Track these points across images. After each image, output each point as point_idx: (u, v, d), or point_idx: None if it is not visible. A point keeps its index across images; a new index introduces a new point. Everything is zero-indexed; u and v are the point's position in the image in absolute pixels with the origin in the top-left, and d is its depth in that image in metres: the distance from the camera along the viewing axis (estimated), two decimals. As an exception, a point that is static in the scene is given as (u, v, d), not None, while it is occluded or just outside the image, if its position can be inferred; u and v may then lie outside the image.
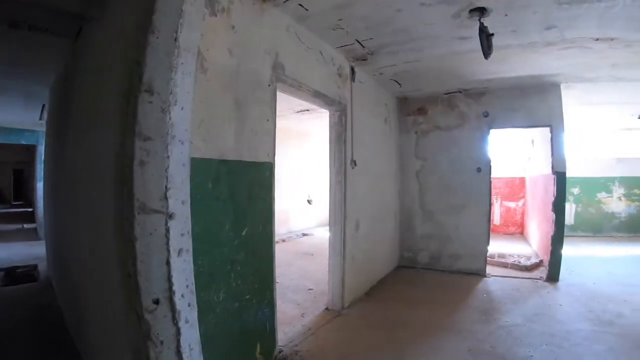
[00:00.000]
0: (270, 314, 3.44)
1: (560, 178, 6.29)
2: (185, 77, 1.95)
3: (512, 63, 5.31)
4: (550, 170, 6.50)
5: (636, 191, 11.33)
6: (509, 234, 11.24)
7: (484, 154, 6.80)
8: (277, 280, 3.72)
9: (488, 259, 6.95)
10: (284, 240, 10.28)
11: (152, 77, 1.84)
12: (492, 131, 6.78)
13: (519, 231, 11.30)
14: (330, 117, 5.18)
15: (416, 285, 6.18)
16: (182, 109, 1.94)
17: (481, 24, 3.75)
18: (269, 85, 3.47)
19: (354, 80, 5.32)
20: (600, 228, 11.22)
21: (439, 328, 4.39)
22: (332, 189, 5.10)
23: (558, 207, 6.30)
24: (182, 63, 1.92)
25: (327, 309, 4.96)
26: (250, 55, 3.20)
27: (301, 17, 3.83)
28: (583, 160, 11.31)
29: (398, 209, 7.39)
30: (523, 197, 11.31)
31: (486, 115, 6.72)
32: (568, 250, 8.59)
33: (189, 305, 1.94)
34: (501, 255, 7.67)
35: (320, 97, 4.55)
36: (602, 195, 11.34)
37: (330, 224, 5.15)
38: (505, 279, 6.34)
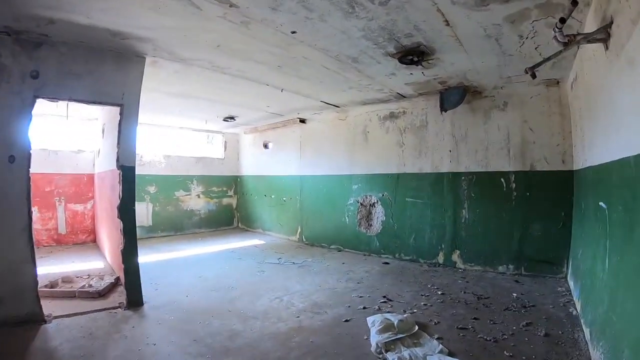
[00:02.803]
0: None
1: (127, 174, 4.95)
2: None
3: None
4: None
5: (214, 189, 12.23)
6: (80, 244, 9.30)
7: (22, 135, 4.28)
8: None
9: (48, 289, 5.09)
10: None
11: None
12: (40, 102, 4.43)
13: (91, 239, 9.50)
14: None
15: None
16: None
17: None
18: None
19: None
20: (182, 226, 11.34)
21: None
22: None
23: (126, 211, 4.94)
24: None
25: None
26: None
27: None
28: (163, 157, 11.01)
29: None
30: (93, 197, 9.57)
31: (35, 75, 4.31)
32: (149, 256, 7.83)
33: None
34: (67, 279, 5.75)
35: None
36: (180, 193, 11.41)
37: None
38: (74, 319, 4.42)
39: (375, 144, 8.34)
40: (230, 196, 12.65)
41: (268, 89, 6.72)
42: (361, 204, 8.48)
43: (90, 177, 9.51)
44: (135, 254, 4.96)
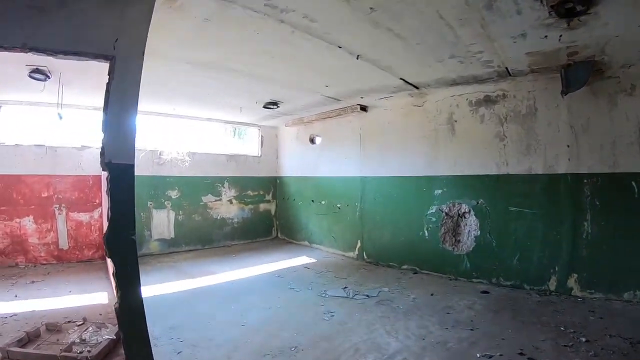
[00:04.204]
0: None
1: (120, 177, 2.86)
2: None
3: None
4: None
5: (249, 193, 10.65)
6: (85, 261, 7.71)
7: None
8: None
9: (20, 349, 3.55)
10: None
11: None
12: None
13: (99, 255, 7.83)
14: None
15: None
16: None
17: None
18: None
19: None
20: (211, 238, 9.81)
21: None
22: None
23: (120, 244, 2.83)
24: None
25: None
26: None
27: None
28: (187, 155, 9.48)
29: None
30: (100, 204, 7.94)
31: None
32: (169, 284, 6.34)
33: None
34: (53, 327, 4.19)
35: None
36: (208, 198, 9.87)
37: None
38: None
39: (466, 136, 6.62)
40: (269, 201, 11.03)
41: (337, 57, 4.96)
42: (446, 213, 6.72)
43: (97, 179, 7.90)
44: (141, 316, 2.90)
